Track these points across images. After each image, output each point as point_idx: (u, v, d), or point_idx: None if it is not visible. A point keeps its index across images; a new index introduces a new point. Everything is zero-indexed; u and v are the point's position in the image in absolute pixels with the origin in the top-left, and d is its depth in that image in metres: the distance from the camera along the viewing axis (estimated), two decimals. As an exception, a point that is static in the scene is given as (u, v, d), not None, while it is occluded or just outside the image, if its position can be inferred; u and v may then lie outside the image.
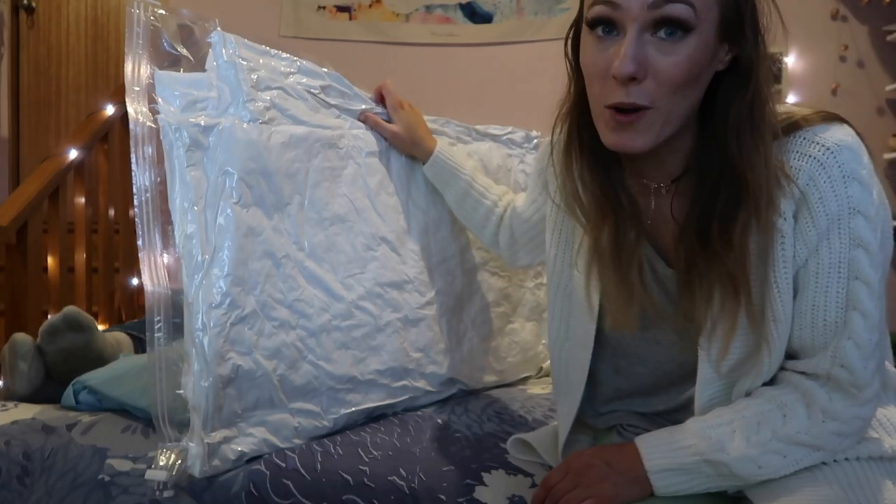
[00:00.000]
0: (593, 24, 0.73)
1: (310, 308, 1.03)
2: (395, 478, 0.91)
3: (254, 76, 1.03)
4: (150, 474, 0.87)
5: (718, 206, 0.73)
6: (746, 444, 0.73)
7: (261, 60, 1.06)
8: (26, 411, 1.09)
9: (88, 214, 2.46)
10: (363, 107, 1.20)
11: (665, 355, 0.85)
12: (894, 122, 3.19)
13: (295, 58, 1.12)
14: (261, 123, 1.01)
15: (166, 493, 0.87)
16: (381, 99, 1.24)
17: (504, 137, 1.47)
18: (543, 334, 1.49)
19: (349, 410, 1.05)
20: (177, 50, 0.99)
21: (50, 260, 2.26)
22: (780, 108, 0.75)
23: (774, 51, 3.15)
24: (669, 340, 0.84)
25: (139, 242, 0.92)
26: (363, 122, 1.20)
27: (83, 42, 3.82)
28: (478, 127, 1.42)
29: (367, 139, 1.19)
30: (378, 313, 1.12)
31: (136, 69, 0.95)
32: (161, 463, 0.87)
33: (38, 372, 1.23)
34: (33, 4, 3.74)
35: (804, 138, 0.73)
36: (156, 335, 0.90)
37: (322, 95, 1.13)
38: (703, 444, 0.75)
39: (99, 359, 1.29)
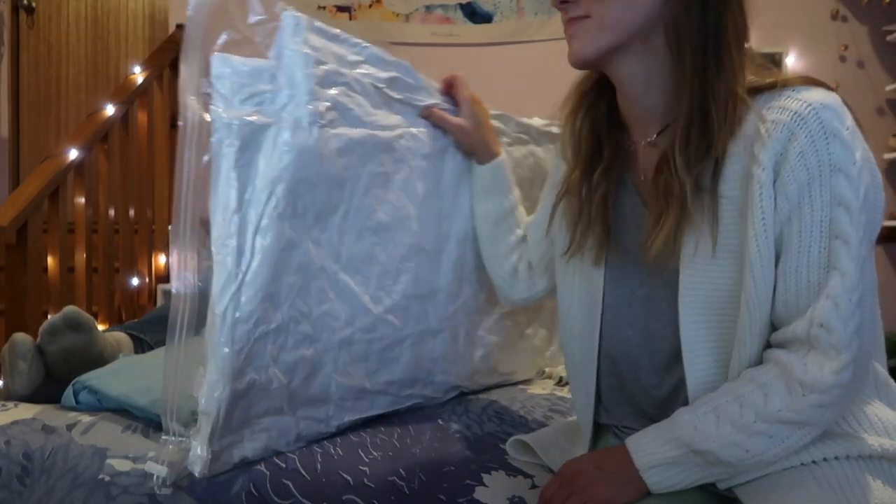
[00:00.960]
0: None
1: (335, 322, 0.99)
2: (395, 478, 0.91)
3: (321, 70, 0.95)
4: (149, 466, 0.86)
5: (679, 133, 0.77)
6: (731, 428, 0.73)
7: (330, 48, 0.98)
8: (26, 411, 1.09)
9: (88, 214, 2.46)
10: (429, 101, 1.13)
11: (643, 309, 0.85)
12: (894, 122, 3.19)
13: (365, 43, 1.04)
14: (320, 127, 0.94)
15: (164, 490, 0.87)
16: (448, 90, 1.17)
17: None
18: (553, 340, 1.49)
19: (354, 418, 1.04)
20: (239, 31, 0.90)
21: (50, 260, 2.26)
22: (765, 77, 0.78)
23: (774, 51, 3.16)
24: (643, 294, 0.86)
25: (172, 239, 0.86)
26: (426, 118, 1.13)
27: (83, 42, 3.82)
28: (538, 124, 1.36)
29: (425, 139, 1.11)
30: (401, 326, 1.07)
31: (194, 49, 0.86)
32: (162, 458, 0.87)
33: (38, 372, 1.23)
34: (33, 4, 3.75)
35: (787, 95, 0.74)
36: (177, 336, 0.86)
37: (387, 90, 1.06)
38: (688, 434, 0.75)
39: (99, 359, 1.29)
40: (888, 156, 2.99)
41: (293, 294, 0.92)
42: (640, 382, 0.87)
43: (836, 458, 0.74)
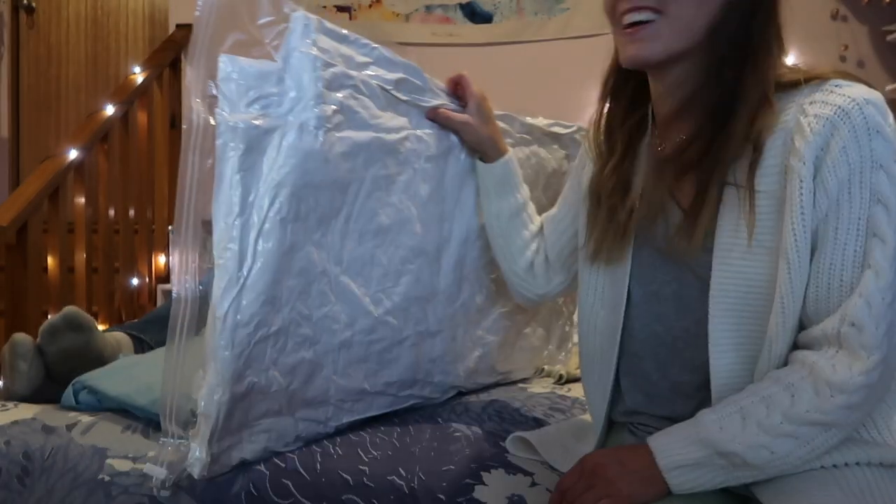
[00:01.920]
0: None
1: (335, 324, 0.99)
2: (394, 477, 0.91)
3: (328, 73, 0.94)
4: (149, 469, 0.86)
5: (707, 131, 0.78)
6: (757, 429, 0.72)
7: (339, 50, 0.97)
8: (26, 411, 1.09)
9: (88, 214, 2.46)
10: (435, 102, 1.12)
11: (674, 307, 0.85)
12: (894, 122, 3.18)
13: (374, 45, 1.03)
14: (326, 131, 0.93)
15: (163, 493, 0.87)
16: (454, 89, 1.17)
17: (569, 137, 1.42)
18: (551, 339, 1.49)
19: (353, 419, 1.04)
20: (248, 32, 0.89)
21: (50, 260, 2.26)
22: (800, 66, 0.80)
23: (774, 51, 3.15)
24: (671, 292, 0.85)
25: (173, 241, 0.86)
26: (432, 119, 1.12)
27: (83, 42, 3.82)
28: (542, 124, 1.37)
29: (430, 141, 1.11)
30: (401, 327, 1.08)
31: (202, 49, 0.85)
32: (161, 459, 0.87)
33: (38, 372, 1.23)
34: (33, 4, 3.75)
35: (829, 89, 0.74)
36: (177, 338, 0.86)
37: (394, 91, 1.06)
38: (714, 435, 0.73)
39: (99, 359, 1.29)
40: (888, 156, 3.00)
41: (294, 297, 0.92)
42: (666, 380, 0.86)
43: (858, 463, 0.73)
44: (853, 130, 0.71)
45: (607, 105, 0.91)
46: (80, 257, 2.41)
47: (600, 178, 0.90)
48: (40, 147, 3.61)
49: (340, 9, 3.37)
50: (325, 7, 3.34)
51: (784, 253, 0.73)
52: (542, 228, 1.14)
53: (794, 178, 0.72)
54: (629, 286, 0.88)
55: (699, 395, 0.82)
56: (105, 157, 2.57)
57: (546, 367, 1.47)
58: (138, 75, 2.73)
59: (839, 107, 0.72)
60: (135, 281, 2.73)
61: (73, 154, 2.33)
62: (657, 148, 0.87)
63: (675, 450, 0.75)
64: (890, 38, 3.08)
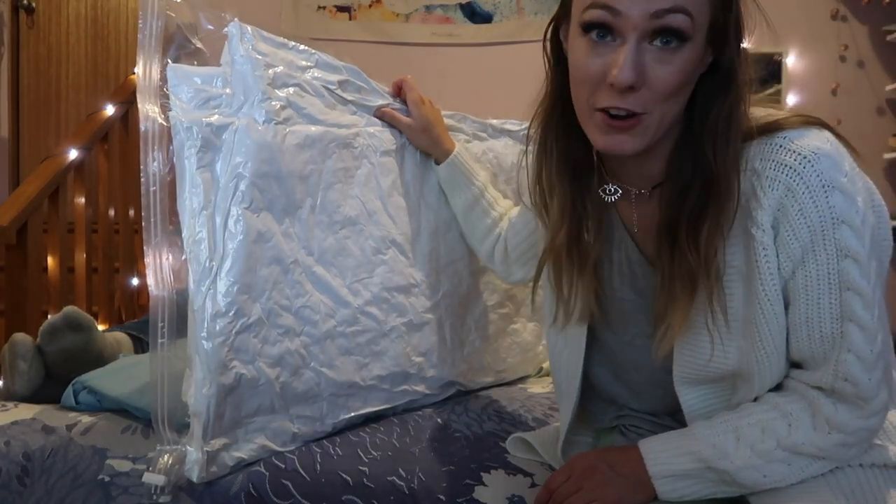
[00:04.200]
0: (588, 27, 0.71)
1: (315, 314, 1.01)
2: (394, 478, 0.91)
3: (270, 73, 0.99)
4: (147, 477, 0.86)
5: (687, 208, 0.72)
6: (750, 452, 0.72)
7: (279, 55, 1.02)
8: (26, 411, 1.09)
9: (88, 214, 2.46)
10: (380, 102, 1.17)
11: (649, 359, 0.84)
12: (894, 122, 3.19)
13: (313, 51, 1.08)
14: (276, 124, 0.98)
15: (163, 499, 0.87)
16: (398, 93, 1.21)
17: (521, 133, 1.44)
18: (544, 335, 1.49)
19: (349, 416, 1.05)
20: (192, 42, 0.96)
21: (50, 260, 2.26)
22: (758, 112, 0.74)
23: (774, 51, 3.16)
24: (644, 344, 0.84)
25: (145, 243, 0.89)
26: (379, 118, 1.16)
27: (83, 42, 3.82)
28: (493, 122, 1.40)
29: (383, 137, 1.15)
30: (383, 318, 1.10)
31: (149, 61, 0.91)
32: (159, 466, 0.87)
33: (37, 372, 1.23)
34: (33, 4, 3.74)
35: (780, 146, 0.71)
36: (159, 339, 0.88)
37: (339, 91, 1.10)
38: (707, 451, 0.74)
39: (99, 359, 1.29)
40: (888, 156, 2.98)
41: (270, 286, 0.95)
42: (645, 406, 0.90)
43: (852, 465, 0.74)
44: (808, 190, 0.68)
45: (556, 170, 0.82)
46: (80, 257, 2.41)
47: (554, 245, 0.83)
48: (40, 147, 3.61)
49: (340, 9, 3.37)
50: (325, 7, 3.34)
51: (759, 318, 0.72)
52: (503, 216, 1.16)
53: (757, 247, 0.71)
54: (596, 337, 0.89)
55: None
56: (105, 157, 2.57)
57: (545, 365, 1.47)
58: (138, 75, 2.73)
59: (790, 168, 0.69)
60: (135, 281, 2.72)
61: (73, 154, 2.32)
62: (631, 219, 0.83)
63: (666, 458, 0.76)
64: (890, 38, 3.08)
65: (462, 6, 3.36)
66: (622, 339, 0.87)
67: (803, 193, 0.69)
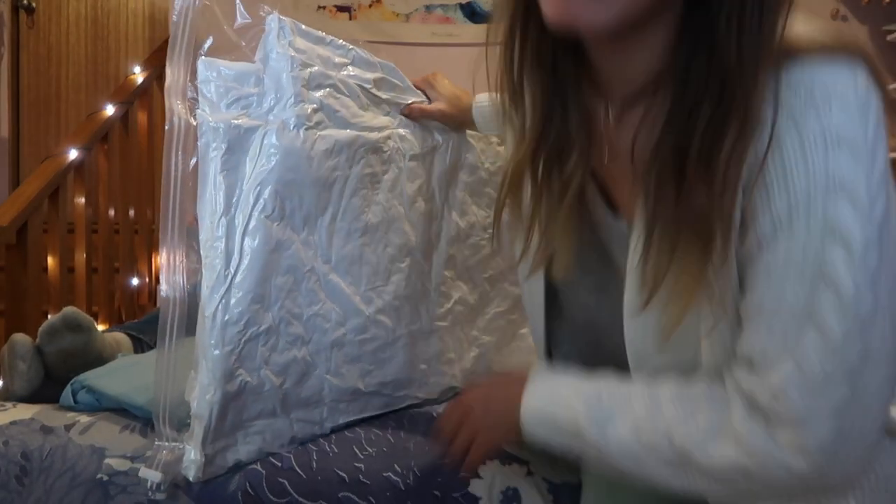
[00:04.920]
0: None
1: (326, 323, 0.99)
2: (390, 474, 0.91)
3: (306, 73, 0.95)
4: (143, 473, 0.86)
5: (700, 125, 0.53)
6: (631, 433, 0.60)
7: (316, 51, 0.98)
8: (25, 411, 1.09)
9: (88, 214, 2.46)
10: (413, 99, 1.14)
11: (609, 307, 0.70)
12: (894, 122, 3.18)
13: (350, 46, 1.04)
14: (306, 129, 0.94)
15: (159, 495, 0.87)
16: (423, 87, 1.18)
17: None
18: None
19: (348, 419, 1.05)
20: (226, 34, 0.90)
21: (50, 260, 2.26)
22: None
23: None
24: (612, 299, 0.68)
25: (161, 242, 0.87)
26: (407, 116, 1.13)
27: (83, 42, 3.82)
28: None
29: (413, 140, 1.12)
30: (393, 326, 1.08)
31: (181, 52, 0.86)
32: (156, 462, 0.87)
33: (37, 372, 1.23)
34: (33, 4, 3.75)
35: (796, 78, 0.52)
36: (167, 338, 0.87)
37: (374, 90, 1.07)
38: (584, 418, 0.63)
39: (98, 359, 1.29)
40: (889, 155, 2.99)
41: (283, 295, 0.93)
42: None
43: None
44: (801, 144, 0.52)
45: (530, 65, 0.64)
46: (80, 257, 2.41)
47: (532, 165, 0.65)
48: (40, 147, 3.61)
49: (340, 9, 3.37)
50: (324, 7, 3.35)
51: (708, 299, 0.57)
52: None
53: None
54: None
55: None
56: (105, 157, 2.57)
57: (544, 366, 1.47)
58: (138, 75, 2.73)
59: (793, 108, 0.52)
60: (135, 281, 2.73)
61: (73, 154, 2.33)
62: (601, 149, 0.64)
63: (543, 416, 0.68)
64: (890, 38, 3.08)
65: (462, 6, 3.36)
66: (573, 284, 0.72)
67: (795, 146, 0.52)
